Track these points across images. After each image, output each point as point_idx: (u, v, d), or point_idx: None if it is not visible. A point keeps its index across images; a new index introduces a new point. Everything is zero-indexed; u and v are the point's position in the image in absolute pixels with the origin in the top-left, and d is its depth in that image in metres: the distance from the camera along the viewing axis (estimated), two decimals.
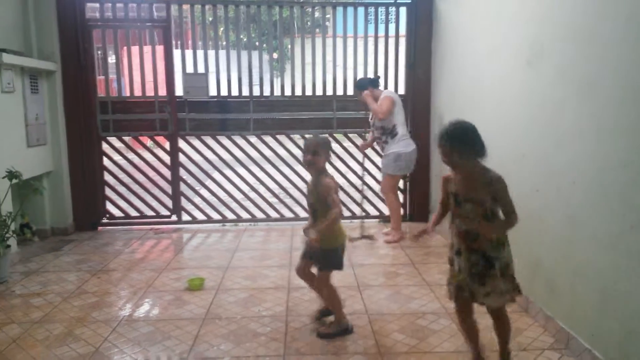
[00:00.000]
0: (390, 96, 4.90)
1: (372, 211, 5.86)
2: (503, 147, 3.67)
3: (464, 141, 2.35)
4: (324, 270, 3.01)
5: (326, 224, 2.85)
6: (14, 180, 4.10)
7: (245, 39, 5.80)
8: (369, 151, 5.50)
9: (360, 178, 5.49)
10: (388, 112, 4.83)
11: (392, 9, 5.56)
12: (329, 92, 5.64)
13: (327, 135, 3.43)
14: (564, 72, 2.87)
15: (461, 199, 2.42)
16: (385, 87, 5.63)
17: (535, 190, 3.17)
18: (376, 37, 5.62)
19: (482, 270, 2.37)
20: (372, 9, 5.55)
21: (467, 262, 2.40)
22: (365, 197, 5.56)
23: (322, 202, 2.93)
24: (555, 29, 2.96)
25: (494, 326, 2.53)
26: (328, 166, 3.05)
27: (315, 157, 2.95)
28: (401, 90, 5.65)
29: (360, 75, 5.56)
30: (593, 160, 2.60)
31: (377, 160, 5.61)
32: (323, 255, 2.97)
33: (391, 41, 5.59)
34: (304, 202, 5.70)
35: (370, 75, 5.47)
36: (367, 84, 4.98)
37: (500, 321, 2.51)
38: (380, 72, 5.62)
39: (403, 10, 5.53)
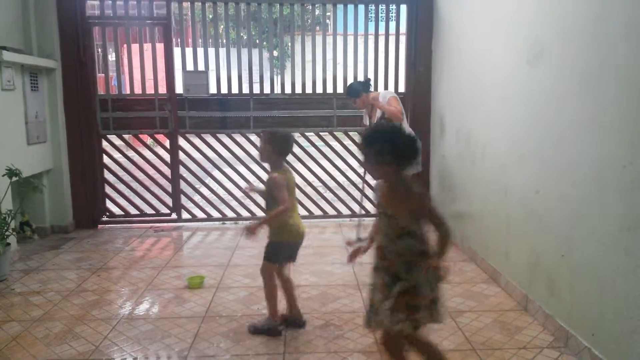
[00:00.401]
0: (395, 95, 4.71)
1: (372, 209, 5.85)
2: (503, 148, 3.68)
3: (381, 147, 2.03)
4: (265, 260, 3.02)
5: (269, 217, 2.92)
6: (14, 178, 4.09)
7: (245, 37, 5.79)
8: None
9: (361, 176, 5.49)
10: (402, 110, 4.61)
11: (393, 7, 5.55)
12: (329, 90, 5.64)
13: (290, 131, 3.25)
14: (564, 71, 2.87)
15: (381, 210, 2.16)
16: (386, 86, 5.63)
17: (536, 191, 3.17)
18: (376, 35, 5.61)
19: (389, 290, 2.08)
20: (372, 7, 5.53)
21: (381, 281, 2.13)
22: (366, 195, 5.55)
23: (270, 195, 2.94)
24: (556, 28, 2.96)
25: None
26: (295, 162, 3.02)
27: (266, 147, 2.94)
28: (401, 88, 5.64)
29: (360, 74, 5.55)
30: (593, 160, 2.59)
31: None
32: (268, 246, 3.02)
33: (391, 39, 5.58)
34: (304, 200, 5.73)
35: (367, 77, 5.19)
36: (360, 89, 4.71)
37: (418, 348, 2.21)
38: (381, 71, 5.62)
39: (403, 9, 5.53)
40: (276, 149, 2.95)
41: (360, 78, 5.54)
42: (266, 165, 3.10)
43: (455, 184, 4.77)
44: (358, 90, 4.73)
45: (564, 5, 2.86)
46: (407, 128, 4.80)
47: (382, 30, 5.59)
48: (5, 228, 3.99)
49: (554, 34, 2.98)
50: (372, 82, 4.95)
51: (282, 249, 3.01)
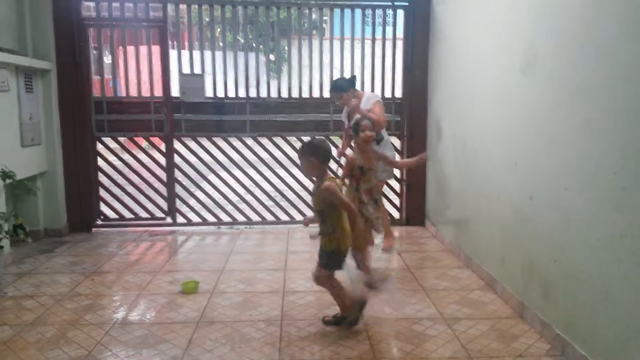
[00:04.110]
0: (380, 100, 4.63)
1: None
2: (497, 154, 3.69)
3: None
4: (322, 268, 3.04)
5: (354, 228, 2.98)
6: (8, 181, 4.06)
7: (242, 40, 5.77)
8: None
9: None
10: (385, 117, 4.60)
11: (390, 12, 5.55)
12: (326, 95, 5.62)
13: (323, 137, 3.39)
14: (557, 78, 2.88)
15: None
16: (382, 91, 5.63)
17: (529, 198, 3.17)
18: (373, 40, 5.61)
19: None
20: (369, 11, 5.54)
21: None
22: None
23: (328, 205, 2.94)
24: (549, 36, 2.96)
25: None
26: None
27: (310, 161, 2.95)
28: (398, 93, 5.64)
29: (357, 79, 5.53)
30: (585, 166, 2.60)
31: None
32: (327, 255, 3.02)
33: (388, 44, 5.58)
34: (300, 205, 5.71)
35: (352, 74, 5.02)
36: (347, 85, 4.61)
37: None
38: (377, 75, 5.61)
39: (400, 13, 5.53)
40: (320, 159, 2.96)
41: (357, 82, 5.54)
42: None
43: (450, 189, 4.77)
44: (343, 86, 4.63)
45: (558, 14, 2.87)
46: (386, 134, 4.70)
47: (378, 35, 5.59)
48: None
49: (548, 41, 2.99)
50: (357, 80, 4.86)
51: (340, 258, 3.04)
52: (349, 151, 4.25)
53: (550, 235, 2.93)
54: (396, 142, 5.73)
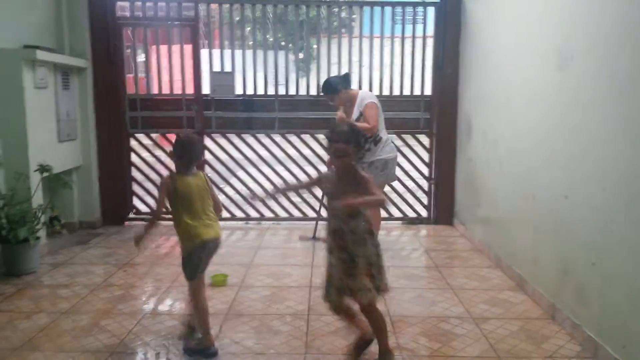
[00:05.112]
0: (374, 102, 4.37)
1: (395, 212, 5.81)
2: (531, 152, 3.62)
3: (357, 140, 2.46)
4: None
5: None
6: (45, 174, 4.19)
7: (271, 39, 5.82)
8: None
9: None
10: (377, 122, 4.31)
11: (420, 9, 5.51)
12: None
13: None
14: (594, 75, 2.81)
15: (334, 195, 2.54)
16: (412, 88, 5.59)
17: (564, 197, 3.10)
18: (403, 38, 5.58)
19: (350, 267, 2.47)
20: (399, 9, 5.51)
21: (338, 260, 2.51)
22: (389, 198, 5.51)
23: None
24: (587, 32, 2.90)
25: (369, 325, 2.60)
26: None
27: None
28: (427, 91, 5.60)
29: (385, 77, 5.52)
30: (623, 165, 2.53)
31: None
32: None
33: (418, 42, 5.54)
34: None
35: (346, 72, 4.81)
36: (338, 85, 4.37)
37: (373, 317, 2.56)
38: (407, 74, 5.57)
39: (430, 11, 5.48)
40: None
41: (386, 80, 5.53)
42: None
43: (481, 188, 4.71)
44: (335, 87, 4.36)
45: (596, 9, 2.80)
46: (384, 134, 4.47)
47: (408, 33, 5.55)
48: (36, 222, 4.09)
49: (585, 38, 2.92)
50: (351, 78, 4.63)
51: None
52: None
53: (587, 236, 2.86)
54: (425, 140, 5.70)
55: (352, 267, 2.47)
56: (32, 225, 4.01)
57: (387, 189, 5.65)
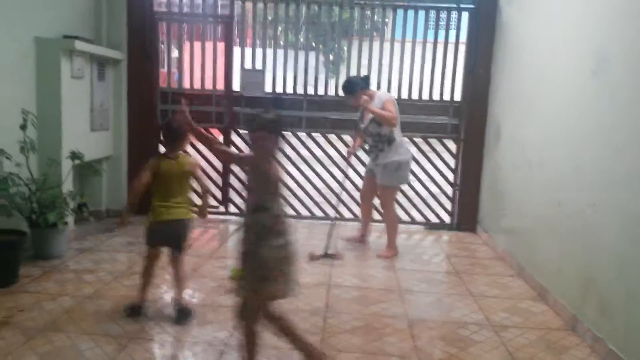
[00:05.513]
0: (392, 99, 4.45)
1: (418, 217, 5.77)
2: (559, 158, 3.56)
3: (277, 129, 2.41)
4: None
5: None
6: (77, 161, 4.30)
7: (303, 40, 5.87)
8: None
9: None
10: (397, 116, 4.38)
11: (454, 14, 5.47)
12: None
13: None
14: (628, 83, 2.75)
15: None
16: (441, 94, 5.56)
17: (592, 204, 3.04)
18: (435, 42, 5.55)
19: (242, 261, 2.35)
20: (433, 13, 5.48)
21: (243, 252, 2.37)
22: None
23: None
24: (623, 37, 2.84)
25: None
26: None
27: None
28: (457, 97, 5.55)
29: (415, 80, 5.49)
30: None
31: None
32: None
33: (450, 47, 5.50)
34: (350, 203, 5.71)
35: (366, 74, 4.82)
36: (358, 85, 4.43)
37: (271, 322, 2.50)
38: (437, 78, 5.54)
39: (465, 15, 5.43)
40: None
41: (415, 84, 5.50)
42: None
43: (506, 194, 4.65)
44: (355, 87, 4.42)
45: (632, 15, 2.74)
46: (399, 135, 4.48)
47: (441, 38, 5.52)
48: (66, 208, 4.20)
49: (620, 44, 2.86)
50: (370, 80, 4.65)
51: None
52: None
53: (615, 245, 2.79)
54: (452, 145, 5.65)
55: (243, 262, 2.33)
56: (61, 211, 4.11)
57: (410, 193, 5.65)
